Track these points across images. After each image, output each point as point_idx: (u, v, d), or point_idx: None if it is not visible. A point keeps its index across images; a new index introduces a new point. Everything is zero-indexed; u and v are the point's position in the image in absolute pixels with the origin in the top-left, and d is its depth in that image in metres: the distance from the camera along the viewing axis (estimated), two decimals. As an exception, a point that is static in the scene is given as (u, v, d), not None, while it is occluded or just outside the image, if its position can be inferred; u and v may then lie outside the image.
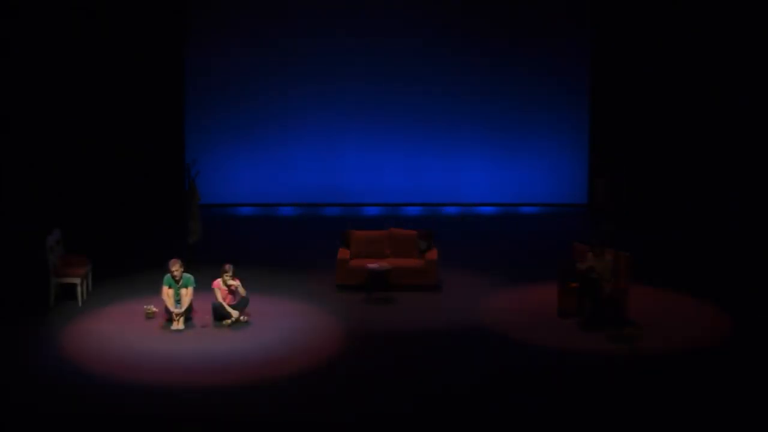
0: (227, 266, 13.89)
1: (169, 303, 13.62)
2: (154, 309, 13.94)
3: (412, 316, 14.24)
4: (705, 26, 19.55)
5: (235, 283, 13.82)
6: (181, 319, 13.60)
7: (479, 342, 13.25)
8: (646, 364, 12.39)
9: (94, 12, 19.31)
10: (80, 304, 14.48)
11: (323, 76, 20.78)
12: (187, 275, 13.83)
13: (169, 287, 13.69)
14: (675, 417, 10.95)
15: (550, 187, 21.13)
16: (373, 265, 15.12)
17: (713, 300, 14.76)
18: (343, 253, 15.67)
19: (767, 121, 19.36)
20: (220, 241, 17.74)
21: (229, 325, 13.69)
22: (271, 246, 18.19)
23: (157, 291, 13.88)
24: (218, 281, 13.88)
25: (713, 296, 14.90)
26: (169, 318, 13.66)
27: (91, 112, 19.57)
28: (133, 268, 16.21)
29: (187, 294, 13.73)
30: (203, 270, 14.82)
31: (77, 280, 14.52)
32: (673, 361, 12.49)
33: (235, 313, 13.75)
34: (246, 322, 13.81)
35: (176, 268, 13.73)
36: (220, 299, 13.80)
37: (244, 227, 19.75)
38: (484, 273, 16.24)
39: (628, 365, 12.36)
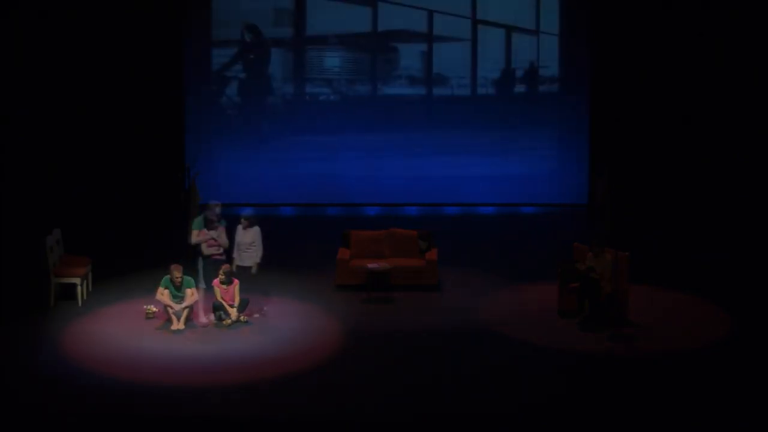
0: (225, 266, 13.91)
1: (166, 300, 13.58)
2: (154, 309, 13.94)
3: (412, 316, 14.24)
4: (705, 25, 19.55)
5: (232, 287, 13.87)
6: (182, 319, 13.60)
7: (479, 342, 13.25)
8: (646, 364, 12.39)
9: (93, 12, 19.31)
10: (80, 304, 14.48)
11: (323, 75, 20.78)
12: (187, 278, 13.81)
13: (165, 288, 13.67)
14: (675, 417, 10.95)
15: (550, 187, 21.13)
16: (373, 265, 15.12)
17: (713, 300, 14.76)
18: (343, 253, 15.67)
19: (767, 121, 19.38)
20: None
21: (229, 325, 13.69)
22: (271, 246, 18.15)
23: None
24: (217, 280, 13.89)
25: (713, 296, 14.90)
26: (169, 318, 13.65)
27: (91, 112, 19.57)
28: (133, 268, 16.20)
29: (191, 294, 13.71)
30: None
31: (77, 280, 14.52)
32: (672, 361, 12.49)
33: (234, 313, 13.75)
34: (246, 322, 13.82)
35: (177, 274, 13.70)
36: (219, 298, 13.81)
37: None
38: (484, 273, 16.24)
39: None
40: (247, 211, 14.22)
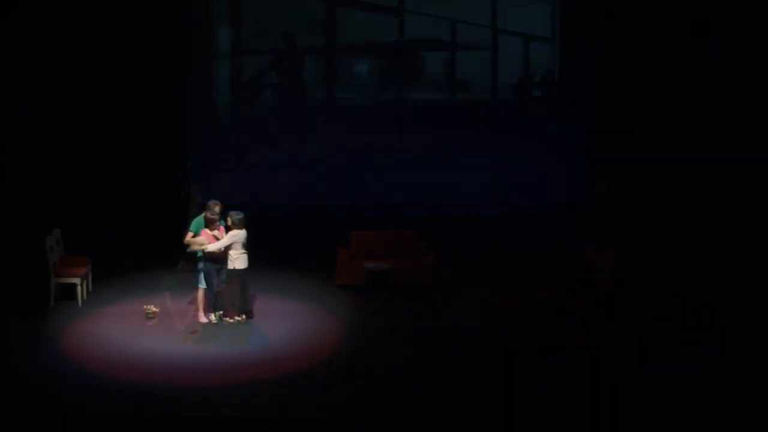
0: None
1: (196, 245, 13.47)
2: (155, 309, 13.94)
3: (412, 316, 14.25)
4: (705, 25, 19.56)
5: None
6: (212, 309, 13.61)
7: (479, 342, 13.26)
8: (646, 365, 12.40)
9: (95, 12, 19.31)
10: (80, 304, 14.49)
11: (324, 75, 20.79)
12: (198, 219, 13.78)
13: (194, 232, 13.52)
14: (674, 417, 10.96)
15: (550, 187, 21.11)
16: (372, 265, 15.12)
17: (712, 300, 14.77)
18: (343, 254, 15.68)
19: (767, 121, 19.38)
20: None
21: (229, 325, 13.70)
22: (271, 246, 18.17)
23: (157, 291, 13.86)
24: (205, 230, 13.83)
25: (712, 296, 14.91)
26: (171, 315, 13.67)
27: (91, 111, 19.56)
28: (133, 268, 16.21)
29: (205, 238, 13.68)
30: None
31: (77, 280, 14.53)
32: (671, 361, 12.49)
33: (234, 313, 13.77)
34: (246, 322, 13.82)
35: (217, 209, 13.61)
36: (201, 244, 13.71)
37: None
38: (483, 273, 16.24)
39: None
40: (238, 213, 14.05)
